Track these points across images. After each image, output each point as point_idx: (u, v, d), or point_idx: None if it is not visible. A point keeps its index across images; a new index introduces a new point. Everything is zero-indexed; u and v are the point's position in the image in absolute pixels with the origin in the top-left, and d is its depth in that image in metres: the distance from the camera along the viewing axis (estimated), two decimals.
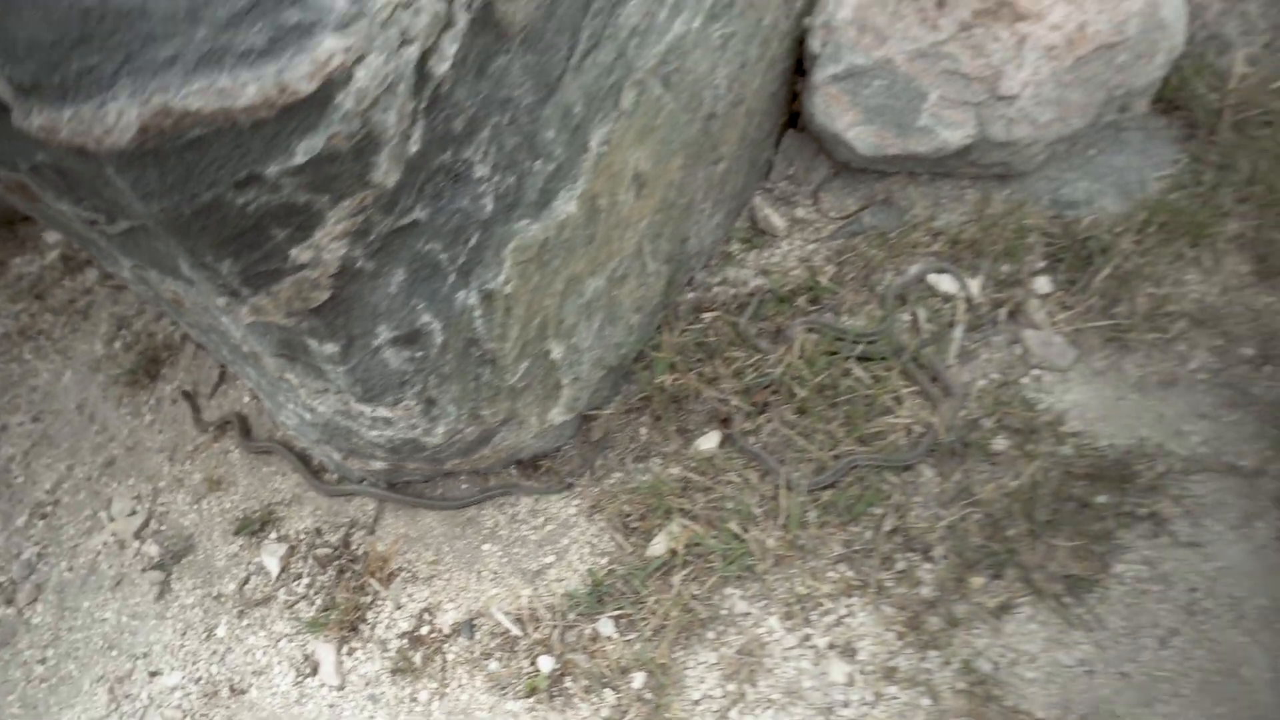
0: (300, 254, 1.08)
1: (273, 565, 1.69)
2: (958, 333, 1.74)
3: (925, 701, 1.35)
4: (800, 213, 2.05)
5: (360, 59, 0.94)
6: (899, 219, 1.97)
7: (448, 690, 1.48)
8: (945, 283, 1.82)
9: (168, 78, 0.88)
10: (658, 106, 1.47)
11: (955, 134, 1.83)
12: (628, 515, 1.58)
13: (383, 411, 1.29)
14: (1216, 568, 1.44)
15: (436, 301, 1.22)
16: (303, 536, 1.72)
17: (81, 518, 1.93)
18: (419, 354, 1.24)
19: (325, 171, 1.00)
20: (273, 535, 1.74)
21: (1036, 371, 1.71)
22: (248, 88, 0.90)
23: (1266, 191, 1.84)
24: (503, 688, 1.46)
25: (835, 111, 1.90)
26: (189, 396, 2.02)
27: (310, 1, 0.90)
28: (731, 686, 1.41)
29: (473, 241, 1.22)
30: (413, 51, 0.99)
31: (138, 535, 1.85)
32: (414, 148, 1.07)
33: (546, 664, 1.46)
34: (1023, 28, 1.73)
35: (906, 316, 1.80)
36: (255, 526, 1.76)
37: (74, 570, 1.84)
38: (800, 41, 1.95)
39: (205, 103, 0.90)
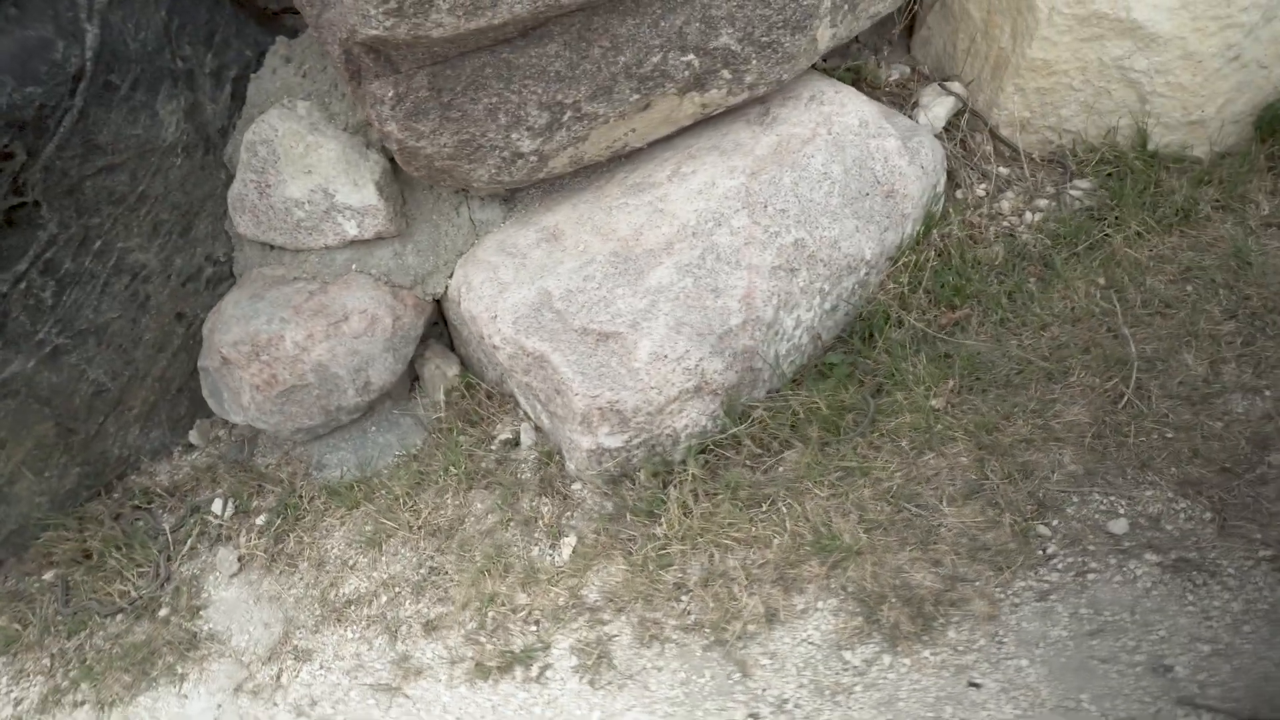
0: None
1: None
2: (191, 539, 2.96)
3: None
4: (220, 434, 3.31)
5: None
6: (246, 453, 3.18)
7: None
8: (217, 506, 3.03)
9: None
10: None
11: (239, 417, 3.01)
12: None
13: None
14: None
15: None
16: None
17: None
18: None
19: None
20: None
21: (216, 574, 2.88)
22: None
23: (397, 483, 2.84)
24: None
25: (204, 389, 3.14)
26: None
27: None
28: None
29: None
30: None
31: None
32: None
33: None
34: (239, 373, 2.88)
35: (190, 522, 3.03)
36: None
37: None
38: None
39: None
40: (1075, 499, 2.33)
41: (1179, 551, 2.15)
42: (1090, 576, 2.17)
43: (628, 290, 2.59)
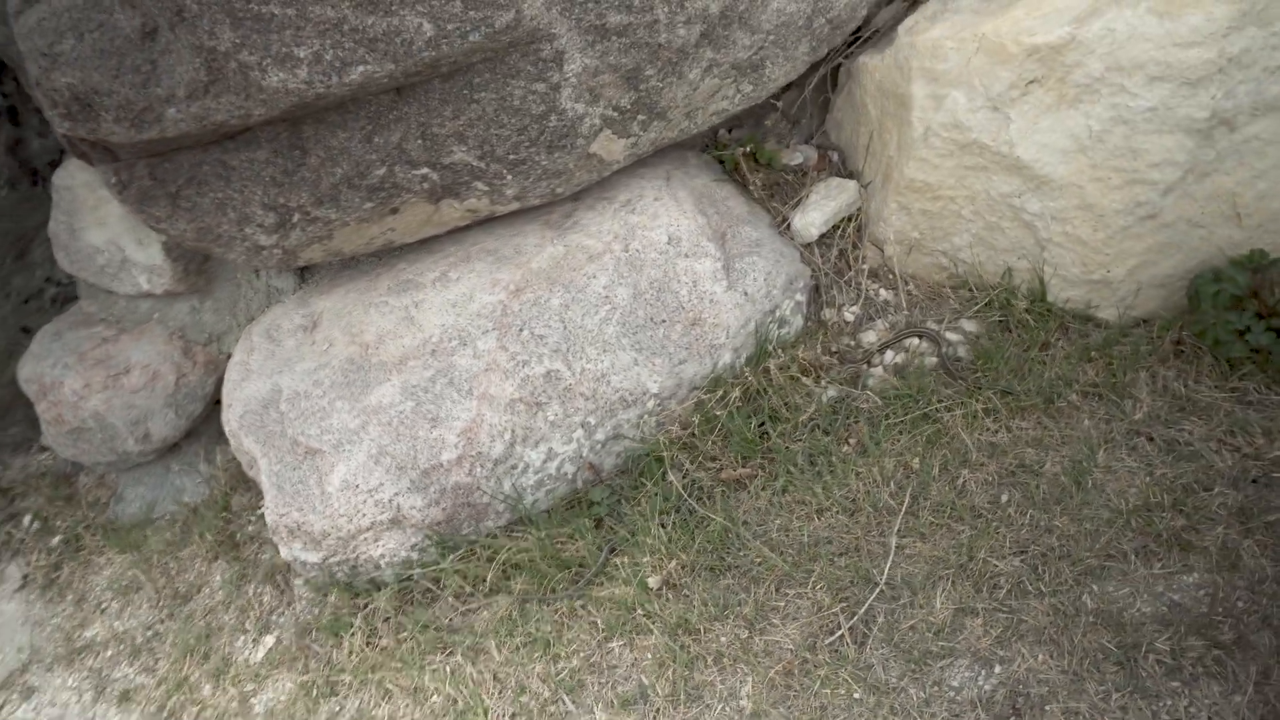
0: None
1: None
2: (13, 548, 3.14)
3: None
4: None
5: None
6: (74, 466, 3.32)
7: None
8: (27, 518, 3.19)
9: None
10: None
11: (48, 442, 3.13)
12: None
13: None
14: None
15: None
16: None
17: None
18: None
19: None
20: None
21: (4, 586, 3.05)
22: None
23: (159, 537, 2.89)
24: None
25: None
26: None
27: None
28: None
29: None
30: None
31: None
32: None
33: None
34: (36, 406, 2.97)
35: (4, 529, 3.21)
36: None
37: None
38: None
39: None
40: None
41: None
42: None
43: (347, 405, 2.45)
